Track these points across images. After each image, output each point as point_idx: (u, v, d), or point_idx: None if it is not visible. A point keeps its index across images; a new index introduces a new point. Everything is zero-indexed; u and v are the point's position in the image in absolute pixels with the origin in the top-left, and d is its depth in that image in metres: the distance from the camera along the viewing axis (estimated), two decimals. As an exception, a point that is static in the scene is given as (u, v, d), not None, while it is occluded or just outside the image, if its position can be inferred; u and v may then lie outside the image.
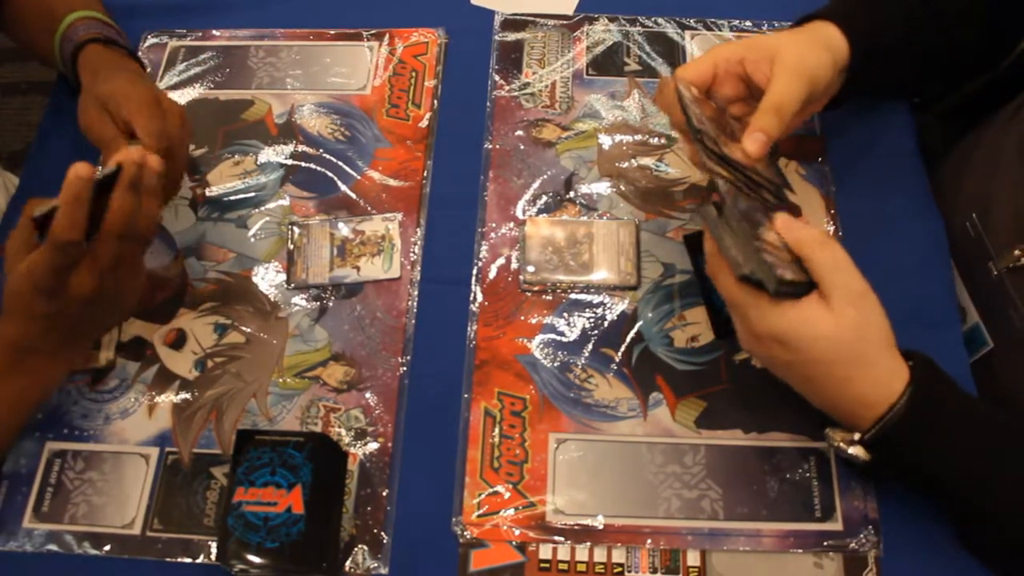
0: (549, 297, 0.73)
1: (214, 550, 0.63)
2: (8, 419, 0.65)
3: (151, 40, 0.89)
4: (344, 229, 0.76)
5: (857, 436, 0.58)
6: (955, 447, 0.57)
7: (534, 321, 0.72)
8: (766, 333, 0.57)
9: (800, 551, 0.63)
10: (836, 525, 0.63)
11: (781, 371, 0.60)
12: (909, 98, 0.82)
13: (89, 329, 0.68)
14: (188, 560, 0.64)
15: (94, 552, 0.64)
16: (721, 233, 0.58)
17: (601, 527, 0.64)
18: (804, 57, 0.63)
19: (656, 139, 0.80)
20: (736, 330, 0.61)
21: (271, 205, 0.78)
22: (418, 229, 0.76)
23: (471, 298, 0.73)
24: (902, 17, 0.69)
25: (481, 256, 0.75)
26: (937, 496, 0.61)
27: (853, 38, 0.65)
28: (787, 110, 0.61)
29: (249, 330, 0.73)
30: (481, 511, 0.65)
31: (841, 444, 0.59)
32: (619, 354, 0.70)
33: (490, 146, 0.80)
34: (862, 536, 0.63)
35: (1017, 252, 0.66)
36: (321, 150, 0.81)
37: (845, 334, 0.55)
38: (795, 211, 0.66)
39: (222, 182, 0.80)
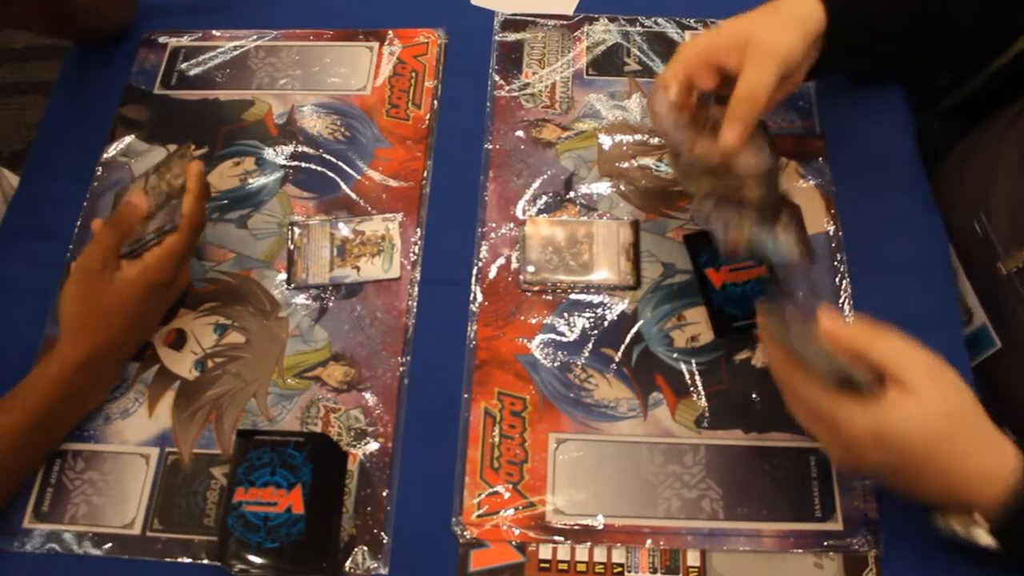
0: (549, 297, 0.73)
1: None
2: (55, 436, 0.67)
3: (151, 40, 0.89)
4: (344, 229, 0.76)
5: (978, 517, 0.54)
6: None
7: (534, 321, 0.72)
8: (860, 436, 0.53)
9: (800, 551, 0.63)
10: (836, 525, 0.63)
11: (889, 475, 0.56)
12: (904, 79, 0.81)
13: (139, 339, 0.71)
14: (188, 560, 0.64)
15: (94, 552, 0.64)
16: (793, 340, 0.55)
17: (601, 527, 0.64)
18: (775, 40, 0.62)
19: (656, 139, 0.80)
20: (830, 455, 0.57)
21: (271, 205, 0.79)
22: (418, 229, 0.76)
23: (471, 298, 0.73)
24: None
25: (481, 256, 0.75)
26: None
27: (832, 6, 0.64)
28: (761, 97, 0.61)
29: (249, 330, 0.73)
30: (481, 511, 0.65)
31: (959, 528, 0.55)
32: (619, 354, 0.70)
33: (490, 146, 0.80)
34: (862, 536, 0.63)
35: None
36: (321, 150, 0.81)
37: (936, 413, 0.52)
38: (796, 211, 0.66)
39: (222, 182, 0.80)
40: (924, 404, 0.52)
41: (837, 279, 0.72)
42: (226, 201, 0.79)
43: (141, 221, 0.69)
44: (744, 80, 0.61)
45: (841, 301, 0.71)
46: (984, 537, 0.54)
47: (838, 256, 0.73)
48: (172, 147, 0.81)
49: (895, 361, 0.53)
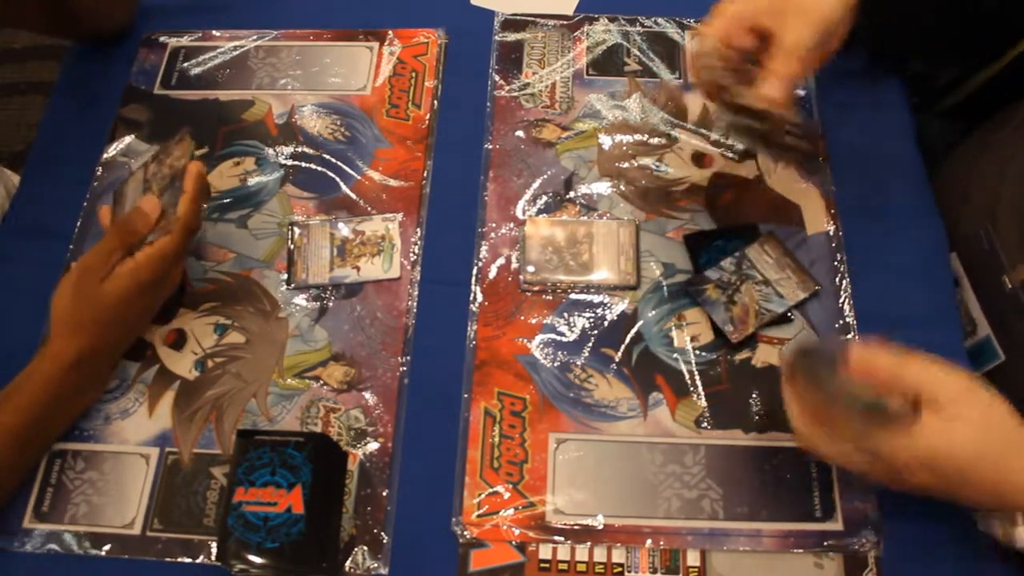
0: (549, 297, 0.73)
1: (214, 550, 0.63)
2: (50, 434, 0.68)
3: (152, 40, 0.89)
4: (344, 229, 0.76)
5: (1019, 518, 0.55)
6: None
7: (534, 321, 0.72)
8: (906, 464, 0.54)
9: (800, 551, 0.63)
10: (836, 525, 0.63)
11: (939, 492, 0.56)
12: (912, 69, 0.82)
13: (130, 337, 0.70)
14: (188, 560, 0.64)
15: (94, 552, 0.64)
16: (823, 383, 0.55)
17: (601, 527, 0.64)
18: (815, 1, 0.63)
19: (656, 139, 0.80)
20: (880, 478, 0.57)
21: (271, 205, 0.79)
22: (418, 229, 0.76)
23: (471, 298, 0.73)
24: None
25: (481, 256, 0.75)
26: None
27: None
28: (800, 52, 0.62)
29: (249, 330, 0.73)
30: (481, 511, 0.65)
31: (1005, 527, 0.57)
32: (619, 354, 0.70)
33: (490, 146, 0.80)
34: (862, 536, 0.63)
35: None
36: (321, 150, 0.81)
37: (978, 430, 0.53)
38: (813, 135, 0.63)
39: (222, 182, 0.80)
40: (966, 423, 0.53)
41: (837, 279, 0.72)
42: (226, 201, 0.79)
43: (151, 229, 0.68)
44: (785, 36, 0.62)
45: (841, 301, 0.71)
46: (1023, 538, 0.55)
47: (838, 256, 0.73)
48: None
49: (931, 385, 0.54)
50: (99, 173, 0.81)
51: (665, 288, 0.73)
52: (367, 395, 0.69)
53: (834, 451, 0.57)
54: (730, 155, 0.79)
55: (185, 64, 0.87)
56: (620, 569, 0.63)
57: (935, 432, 0.53)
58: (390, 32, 0.88)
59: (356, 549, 0.64)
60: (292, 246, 0.76)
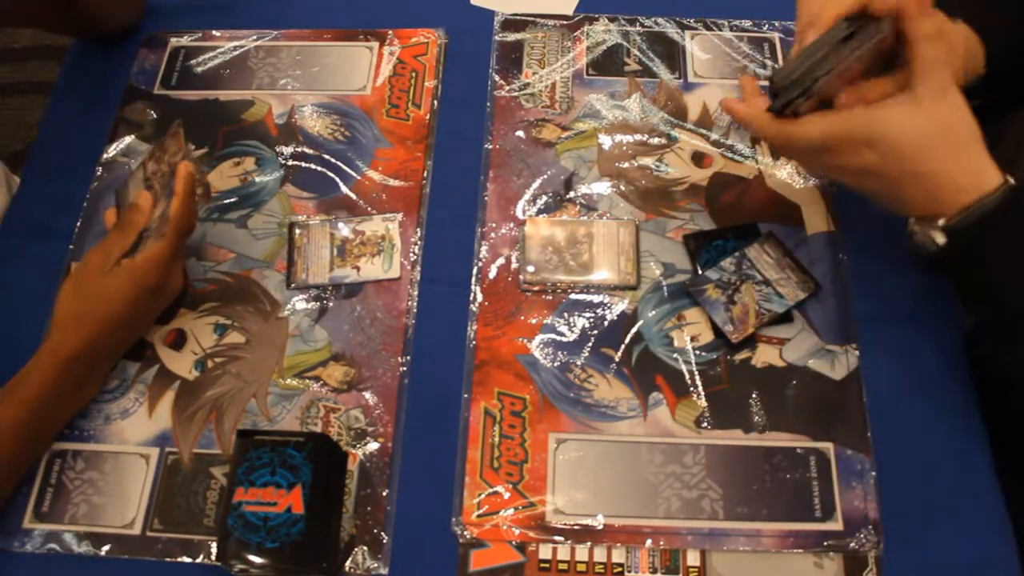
0: (549, 297, 0.73)
1: (214, 550, 0.63)
2: (51, 429, 0.68)
3: (152, 40, 0.89)
4: (344, 229, 0.76)
5: (941, 221, 0.59)
6: None
7: (534, 321, 0.72)
8: (854, 136, 0.58)
9: (800, 551, 0.63)
10: (836, 525, 0.63)
11: (875, 176, 0.60)
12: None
13: (130, 339, 0.71)
14: (188, 560, 0.64)
15: (94, 552, 0.64)
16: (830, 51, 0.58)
17: (601, 527, 0.64)
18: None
19: (656, 139, 0.80)
20: (808, 167, 0.64)
21: (271, 205, 0.79)
22: (418, 229, 0.76)
23: (471, 298, 0.73)
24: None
25: (481, 256, 0.75)
26: (987, 303, 0.63)
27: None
28: None
29: (249, 330, 0.73)
30: (481, 511, 0.65)
31: (918, 228, 0.60)
32: (619, 354, 0.70)
33: (490, 146, 0.80)
34: (862, 536, 0.63)
35: None
36: (321, 150, 0.81)
37: (934, 122, 0.57)
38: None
39: (222, 182, 0.80)
40: (923, 113, 0.57)
41: (837, 279, 0.72)
42: (226, 201, 0.79)
43: (147, 221, 0.69)
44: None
45: (841, 301, 0.71)
46: (938, 236, 0.59)
47: (838, 256, 0.73)
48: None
49: (928, 73, 0.57)
50: (99, 173, 0.81)
51: (665, 288, 0.73)
52: (367, 395, 0.69)
53: (811, 132, 0.60)
54: (730, 155, 0.79)
55: (185, 64, 0.87)
56: (620, 569, 0.63)
57: (895, 110, 0.58)
58: (390, 32, 0.87)
59: (356, 549, 0.64)
60: (292, 246, 0.76)
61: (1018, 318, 0.61)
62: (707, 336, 0.71)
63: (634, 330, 0.71)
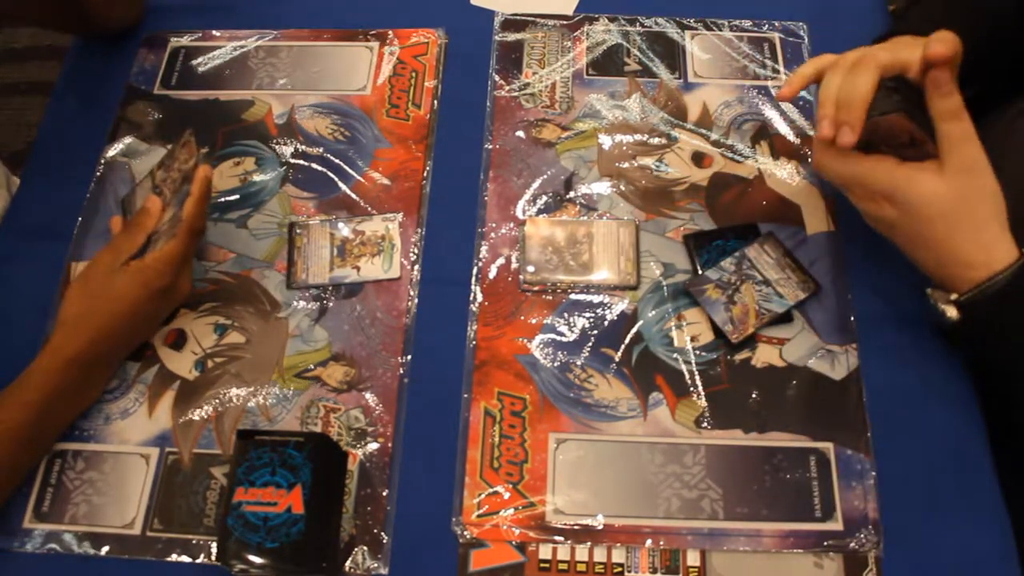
0: (549, 297, 0.73)
1: (214, 550, 0.63)
2: (52, 432, 0.68)
3: (152, 40, 0.89)
4: (344, 229, 0.76)
5: (954, 296, 0.61)
6: None
7: (534, 321, 0.72)
8: (881, 189, 0.61)
9: (800, 551, 0.63)
10: (836, 525, 0.63)
11: (899, 232, 0.63)
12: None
13: (134, 342, 0.71)
14: (188, 560, 0.64)
15: (94, 552, 0.64)
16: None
17: (601, 527, 0.64)
18: None
19: (656, 139, 0.80)
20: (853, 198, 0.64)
21: (271, 205, 0.79)
22: (418, 229, 0.76)
23: (471, 298, 0.73)
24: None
25: (481, 256, 0.75)
26: (1005, 378, 0.64)
27: None
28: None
29: (249, 330, 0.73)
30: (481, 511, 0.65)
31: (937, 301, 0.62)
32: (619, 354, 0.70)
33: (490, 146, 0.80)
34: (862, 536, 0.63)
35: None
36: (321, 150, 0.81)
37: (953, 194, 0.59)
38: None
39: (222, 182, 0.80)
40: (945, 183, 0.59)
41: (837, 279, 0.72)
42: (226, 201, 0.79)
43: (157, 224, 0.69)
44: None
45: (841, 301, 0.71)
46: (950, 310, 0.61)
47: (838, 256, 0.73)
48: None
49: (955, 147, 0.59)
50: (99, 173, 0.81)
51: (665, 288, 0.73)
52: (367, 395, 0.69)
53: (841, 170, 0.63)
54: (730, 155, 0.79)
55: (185, 64, 0.87)
56: (620, 569, 0.63)
57: (923, 178, 0.59)
58: (390, 32, 0.88)
59: (356, 549, 0.64)
60: (292, 246, 0.76)
61: None
62: (707, 336, 0.71)
63: (634, 330, 0.71)
